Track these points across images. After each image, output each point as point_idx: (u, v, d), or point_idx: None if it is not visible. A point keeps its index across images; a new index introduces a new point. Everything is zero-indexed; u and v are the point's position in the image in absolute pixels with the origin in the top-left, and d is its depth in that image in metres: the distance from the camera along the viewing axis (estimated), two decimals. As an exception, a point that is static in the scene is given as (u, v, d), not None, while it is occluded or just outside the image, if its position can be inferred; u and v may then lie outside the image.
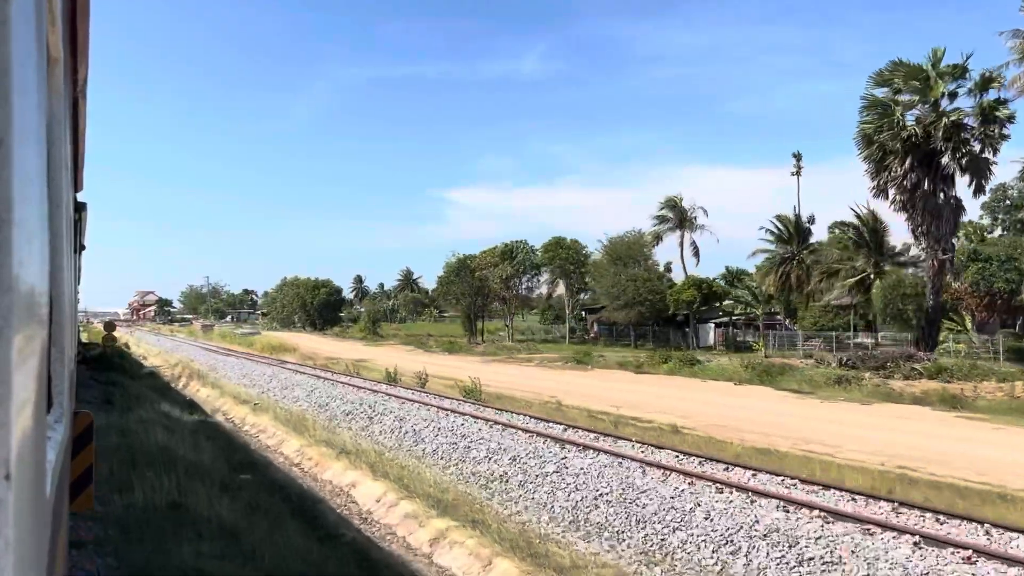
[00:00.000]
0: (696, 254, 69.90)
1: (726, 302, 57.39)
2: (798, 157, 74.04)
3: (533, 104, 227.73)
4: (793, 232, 52.36)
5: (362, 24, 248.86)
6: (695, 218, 68.96)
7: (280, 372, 32.83)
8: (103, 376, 22.86)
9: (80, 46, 3.69)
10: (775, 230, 53.75)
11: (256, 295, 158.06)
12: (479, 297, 68.49)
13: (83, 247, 12.08)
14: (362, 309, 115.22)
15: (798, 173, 72.84)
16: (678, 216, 68.78)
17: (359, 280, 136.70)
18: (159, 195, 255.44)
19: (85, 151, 7.25)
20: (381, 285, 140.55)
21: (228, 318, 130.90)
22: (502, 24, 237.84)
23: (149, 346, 57.84)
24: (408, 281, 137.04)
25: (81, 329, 51.58)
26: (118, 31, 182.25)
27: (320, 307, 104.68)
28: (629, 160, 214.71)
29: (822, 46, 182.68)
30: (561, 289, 71.17)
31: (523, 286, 71.55)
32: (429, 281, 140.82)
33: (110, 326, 31.27)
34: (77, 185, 7.12)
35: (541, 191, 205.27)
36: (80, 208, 8.17)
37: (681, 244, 69.25)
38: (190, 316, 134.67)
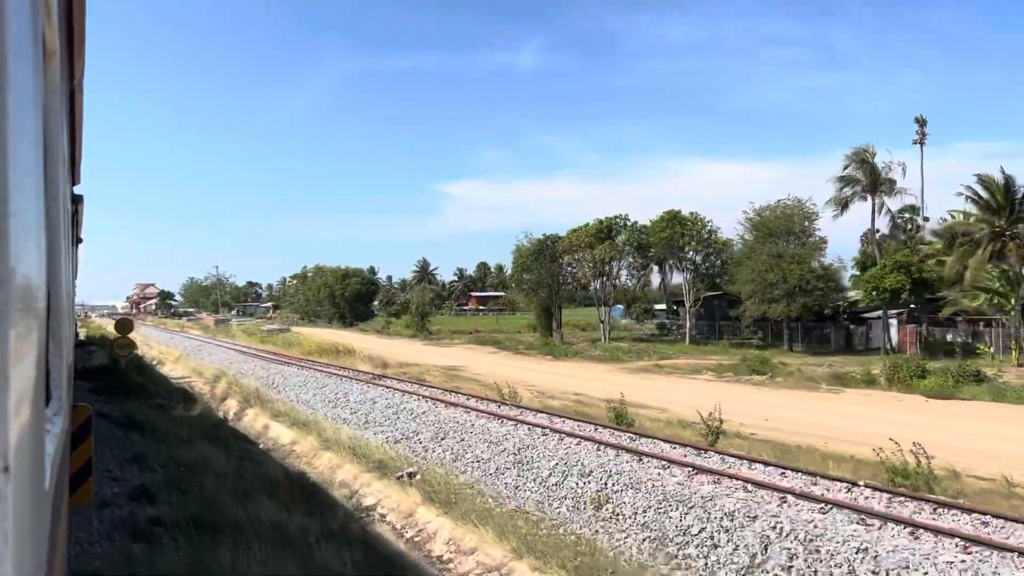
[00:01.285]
0: (897, 226, 56.51)
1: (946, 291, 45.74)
2: (922, 123, 63.70)
3: (530, 97, 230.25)
4: (1002, 201, 42.20)
5: (357, 16, 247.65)
6: (893, 180, 54.17)
7: (400, 400, 22.18)
8: (116, 405, 15.29)
9: (77, 40, 3.69)
10: (978, 197, 43.56)
11: (260, 287, 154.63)
12: (563, 286, 60.29)
13: (80, 240, 12.00)
14: (375, 301, 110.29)
15: (921, 141, 63.89)
16: (869, 176, 53.86)
17: (372, 271, 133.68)
18: (156, 189, 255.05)
19: (83, 145, 7.20)
20: (389, 278, 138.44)
21: (235, 311, 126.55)
22: (499, 16, 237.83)
23: (163, 346, 50.49)
24: (424, 273, 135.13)
25: (79, 325, 50.38)
26: (117, 26, 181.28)
27: (351, 299, 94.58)
28: (627, 153, 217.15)
29: (820, 39, 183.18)
30: (654, 277, 62.62)
31: (621, 272, 59.30)
32: (446, 273, 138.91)
33: (124, 326, 21.38)
34: (74, 179, 7.12)
35: (539, 184, 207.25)
36: (76, 201, 8.13)
37: (873, 213, 55.39)
38: (192, 309, 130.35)
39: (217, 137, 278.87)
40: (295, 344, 48.18)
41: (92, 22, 4.40)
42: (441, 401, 21.63)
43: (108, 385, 18.53)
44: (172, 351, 45.43)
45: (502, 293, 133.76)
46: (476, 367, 34.61)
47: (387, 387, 25.28)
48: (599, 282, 57.85)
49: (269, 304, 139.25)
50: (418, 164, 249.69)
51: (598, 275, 57.21)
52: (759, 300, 46.69)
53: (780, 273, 45.12)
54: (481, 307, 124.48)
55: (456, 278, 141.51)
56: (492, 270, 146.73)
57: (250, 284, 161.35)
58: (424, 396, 22.72)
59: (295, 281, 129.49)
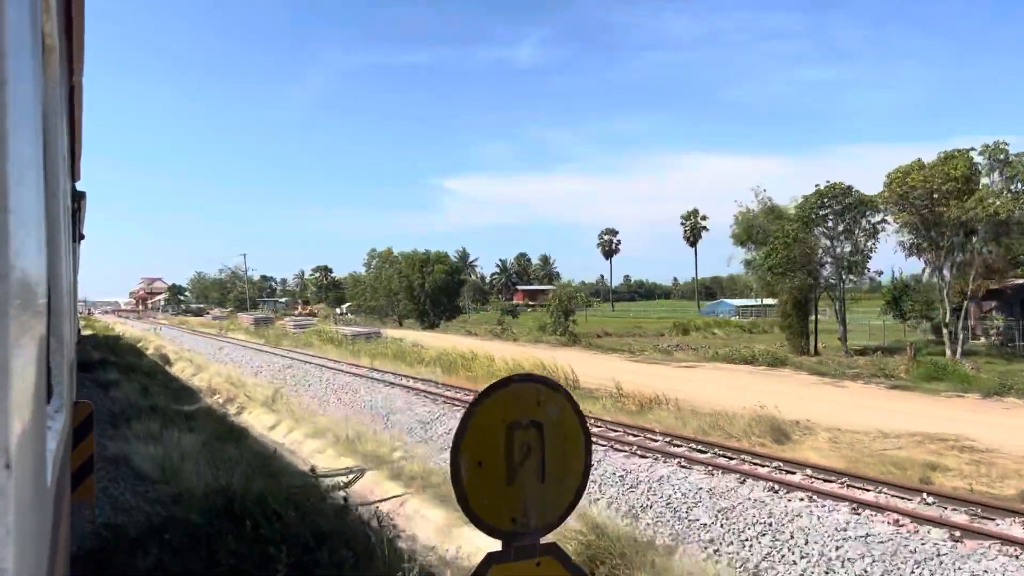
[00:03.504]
0: None
1: None
2: None
3: (531, 90, 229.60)
4: None
5: (357, 12, 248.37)
6: None
7: None
8: None
9: (76, 35, 3.69)
10: None
11: (275, 281, 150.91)
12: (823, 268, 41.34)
13: (82, 236, 12.04)
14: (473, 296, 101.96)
15: None
16: None
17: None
18: (155, 184, 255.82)
19: (83, 141, 7.22)
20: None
21: (257, 307, 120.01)
22: (499, 10, 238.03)
23: (220, 366, 31.70)
24: (464, 264, 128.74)
25: (83, 324, 49.98)
26: (118, 22, 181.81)
27: (433, 292, 75.48)
28: (628, 146, 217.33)
29: (820, 32, 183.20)
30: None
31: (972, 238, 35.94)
32: (487, 265, 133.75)
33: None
34: (75, 175, 7.13)
35: (539, 178, 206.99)
36: (78, 197, 8.19)
37: None
38: (202, 304, 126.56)
39: (217, 134, 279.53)
40: (456, 365, 27.60)
41: (92, 18, 4.41)
42: None
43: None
44: (247, 380, 26.02)
45: (552, 287, 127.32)
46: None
47: None
48: (941, 257, 34.05)
49: (284, 299, 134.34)
50: (417, 158, 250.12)
51: (933, 247, 34.06)
52: None
53: None
54: (531, 303, 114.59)
55: (498, 270, 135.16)
56: (537, 262, 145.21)
57: (264, 278, 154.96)
58: None
59: (317, 274, 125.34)
